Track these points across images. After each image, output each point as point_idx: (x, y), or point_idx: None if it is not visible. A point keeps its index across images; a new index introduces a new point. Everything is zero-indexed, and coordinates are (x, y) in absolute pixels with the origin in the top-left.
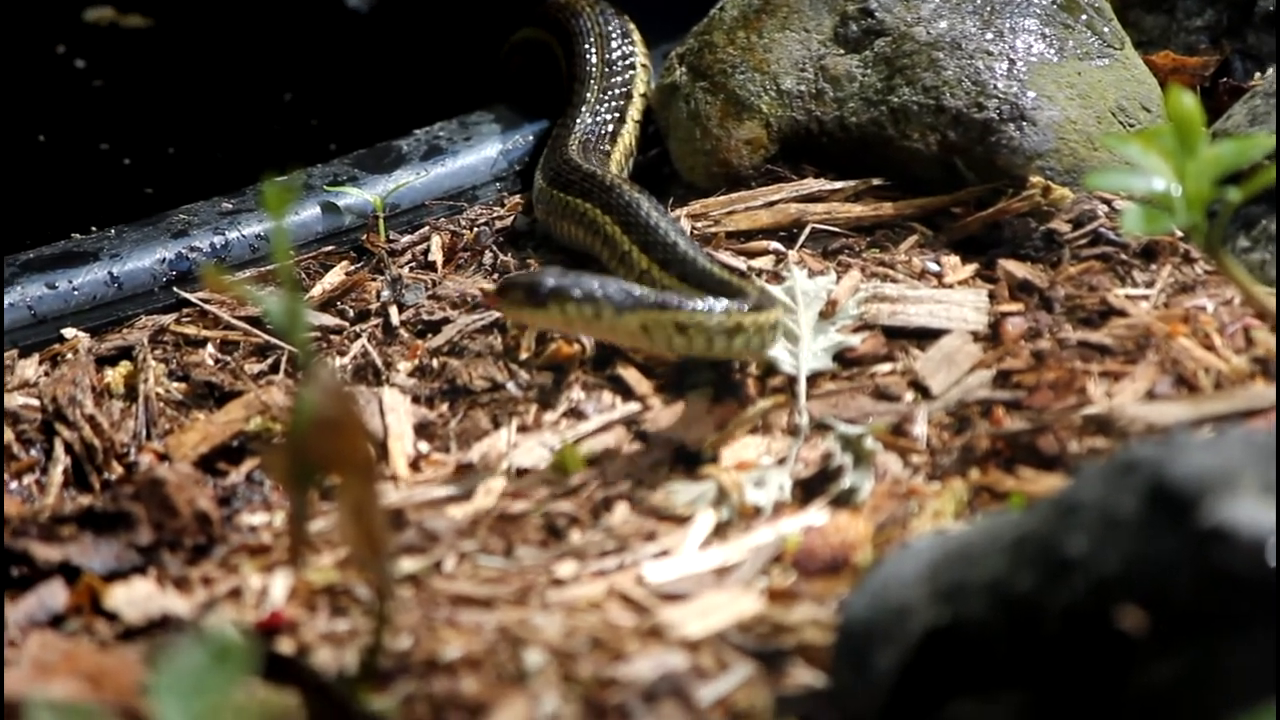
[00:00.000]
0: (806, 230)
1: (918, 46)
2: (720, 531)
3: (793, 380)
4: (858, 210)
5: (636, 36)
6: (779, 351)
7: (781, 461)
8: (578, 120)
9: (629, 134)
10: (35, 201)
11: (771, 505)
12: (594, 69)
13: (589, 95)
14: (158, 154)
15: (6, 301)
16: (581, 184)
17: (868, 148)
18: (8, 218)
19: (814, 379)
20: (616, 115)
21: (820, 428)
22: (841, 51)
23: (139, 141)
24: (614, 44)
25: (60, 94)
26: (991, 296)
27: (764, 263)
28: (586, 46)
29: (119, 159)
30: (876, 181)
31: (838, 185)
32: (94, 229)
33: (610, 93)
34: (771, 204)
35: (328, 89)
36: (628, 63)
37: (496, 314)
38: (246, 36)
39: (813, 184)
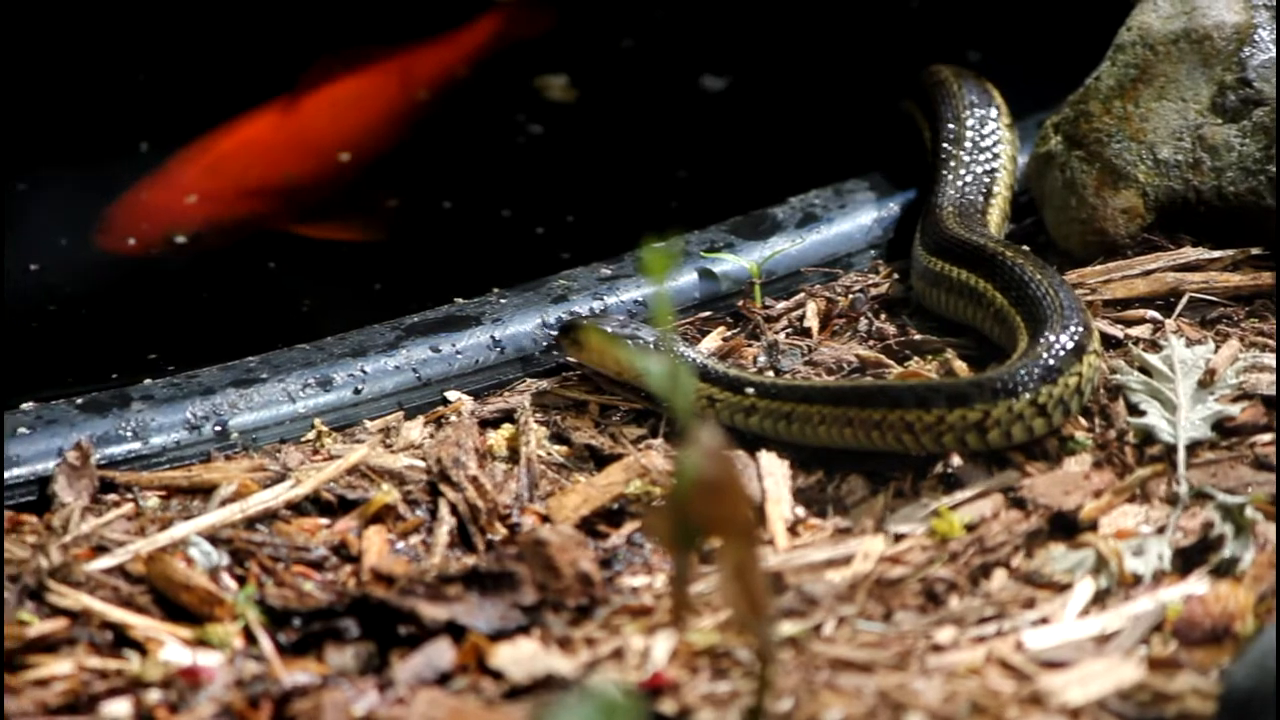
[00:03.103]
0: (1184, 299)
1: None
2: (1099, 599)
3: (1171, 449)
4: (1236, 279)
5: (1001, 107)
6: (1156, 419)
7: (1161, 530)
8: (947, 192)
9: (999, 204)
10: (430, 264)
11: (1151, 574)
12: (960, 139)
13: (956, 166)
14: (552, 220)
15: (393, 363)
16: (965, 254)
17: (1245, 217)
18: (400, 281)
19: (1193, 448)
20: (986, 186)
21: (1199, 497)
22: (1219, 121)
23: (536, 207)
24: (979, 116)
25: (480, 158)
26: None
27: (1141, 331)
28: (951, 119)
29: (517, 224)
30: (1255, 251)
31: (1215, 254)
32: (494, 289)
33: (978, 164)
34: (1148, 273)
35: (704, 161)
36: (994, 134)
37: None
38: (648, 113)
39: (1190, 253)
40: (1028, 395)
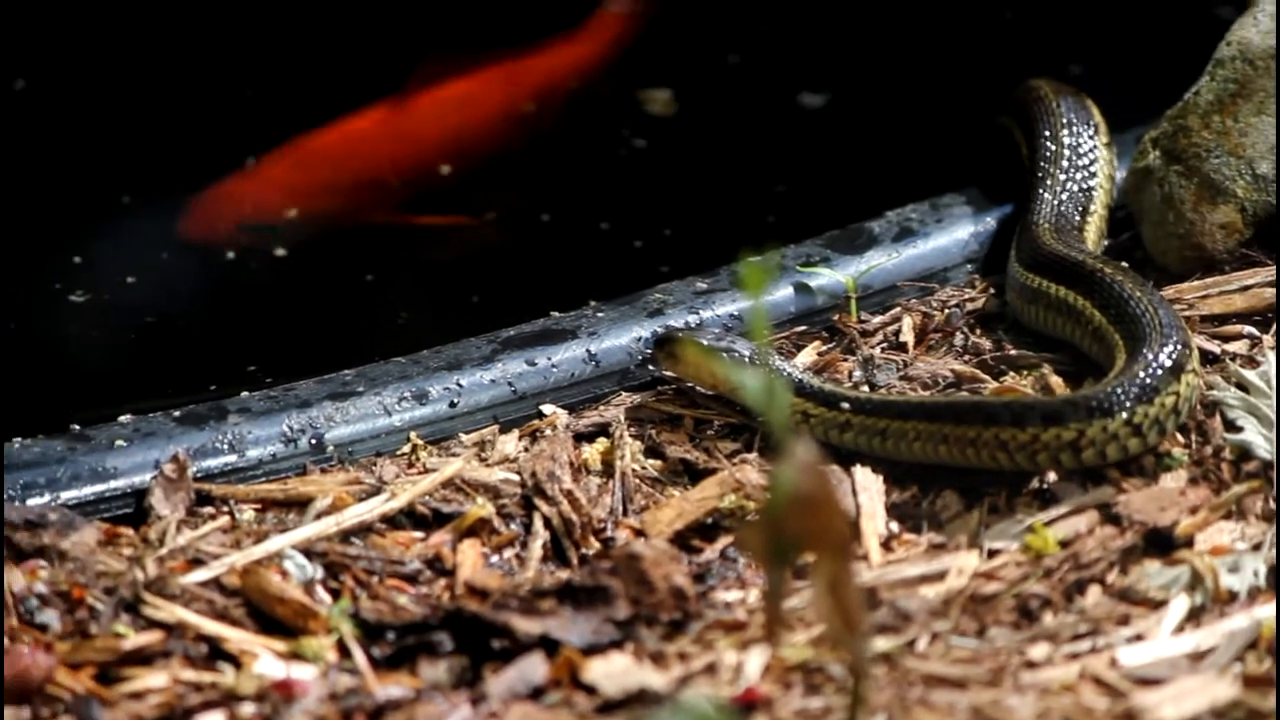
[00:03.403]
0: None
1: None
2: (1194, 616)
3: (1268, 465)
4: None
5: (1099, 123)
6: (1253, 436)
7: (1257, 547)
8: (1044, 205)
9: (1096, 221)
10: (521, 279)
11: (1247, 590)
12: (1057, 154)
13: (1053, 183)
14: (650, 233)
15: (489, 377)
16: (1059, 269)
17: None
18: (494, 295)
19: None
20: (1083, 202)
21: None
22: None
23: (635, 220)
24: (1077, 131)
25: (586, 172)
26: None
27: (1239, 347)
28: (1047, 132)
29: (615, 237)
30: None
31: None
32: (590, 303)
33: (1075, 180)
34: (1246, 288)
35: (802, 176)
36: (1091, 150)
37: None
38: (747, 128)
39: None
40: (1123, 415)
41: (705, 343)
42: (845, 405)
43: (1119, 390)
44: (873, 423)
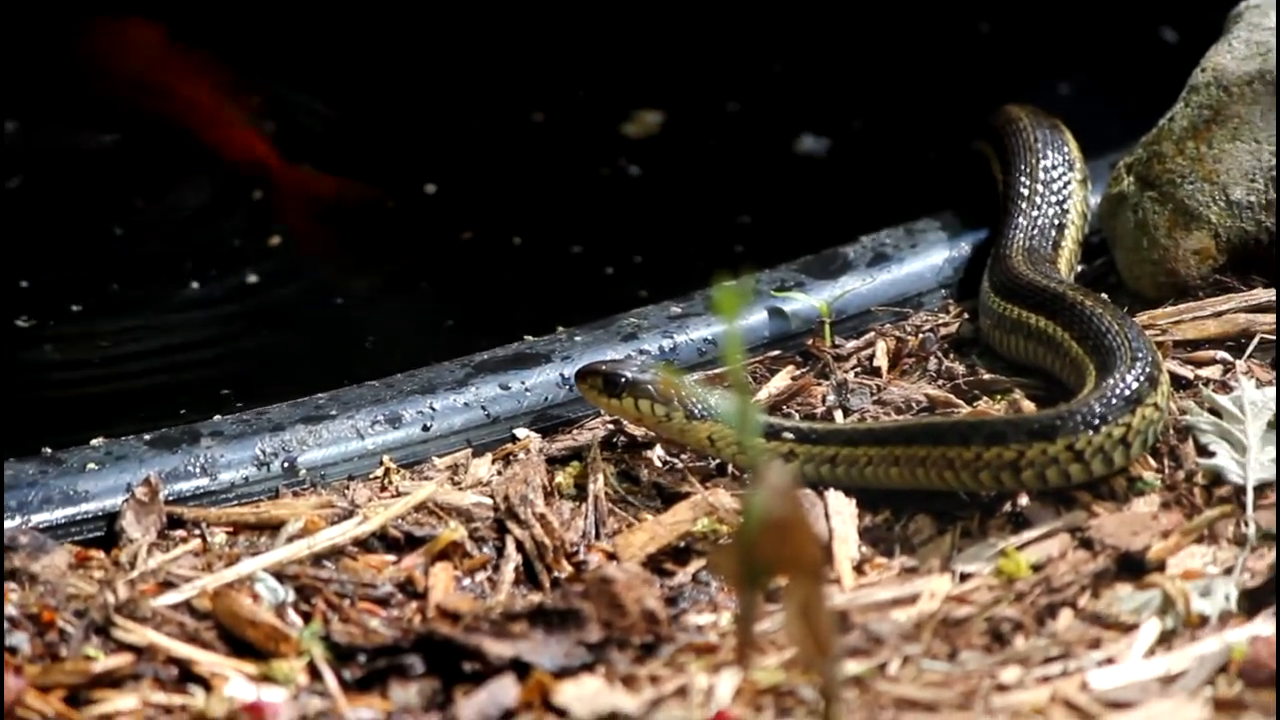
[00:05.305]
0: (1255, 340)
1: None
2: (1165, 640)
3: (1240, 490)
4: None
5: (1074, 148)
6: (1225, 460)
7: (1228, 571)
8: (1017, 232)
9: (1069, 247)
10: (498, 302)
11: (1218, 615)
12: (1031, 181)
13: (1027, 207)
14: (622, 258)
15: (463, 400)
16: (1034, 297)
17: None
18: (471, 319)
19: (1261, 489)
20: (1056, 229)
21: (1267, 538)
22: None
23: (610, 245)
24: (1050, 156)
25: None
26: None
27: (1212, 372)
28: (1022, 159)
29: (588, 262)
30: None
31: None
32: (560, 328)
33: (1049, 206)
34: (1219, 314)
35: (775, 205)
36: (1065, 175)
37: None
38: (730, 159)
39: (1261, 294)
40: (1064, 440)
41: (629, 376)
42: (788, 435)
43: (1066, 416)
44: (820, 451)
